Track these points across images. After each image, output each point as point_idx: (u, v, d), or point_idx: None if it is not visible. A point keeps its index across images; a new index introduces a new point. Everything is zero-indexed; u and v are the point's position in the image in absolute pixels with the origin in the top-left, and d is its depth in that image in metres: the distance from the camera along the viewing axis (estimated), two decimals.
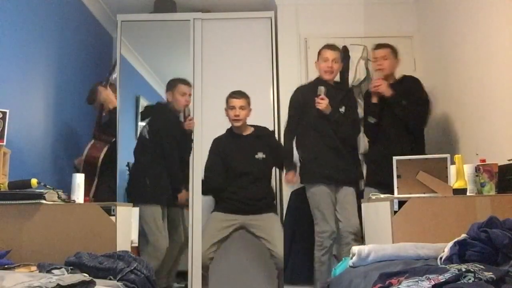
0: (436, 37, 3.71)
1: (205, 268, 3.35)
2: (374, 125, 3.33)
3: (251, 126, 3.54)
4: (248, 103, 3.47)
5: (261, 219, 3.37)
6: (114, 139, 3.68)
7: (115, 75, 3.83)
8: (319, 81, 3.39)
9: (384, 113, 3.30)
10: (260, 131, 3.55)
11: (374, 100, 3.32)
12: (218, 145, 3.52)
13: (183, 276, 3.69)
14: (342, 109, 3.34)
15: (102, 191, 3.42)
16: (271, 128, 3.80)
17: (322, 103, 3.24)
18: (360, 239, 3.21)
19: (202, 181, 3.57)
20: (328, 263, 3.28)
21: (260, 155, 3.43)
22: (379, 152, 3.29)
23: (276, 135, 3.81)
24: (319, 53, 3.45)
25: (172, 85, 3.64)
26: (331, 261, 3.30)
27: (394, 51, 3.39)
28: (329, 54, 3.38)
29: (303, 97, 3.39)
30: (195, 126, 3.72)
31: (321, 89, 3.26)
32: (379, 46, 3.41)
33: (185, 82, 3.67)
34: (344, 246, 3.27)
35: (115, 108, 3.72)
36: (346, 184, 3.32)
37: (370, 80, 3.85)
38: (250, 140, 3.49)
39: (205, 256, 3.30)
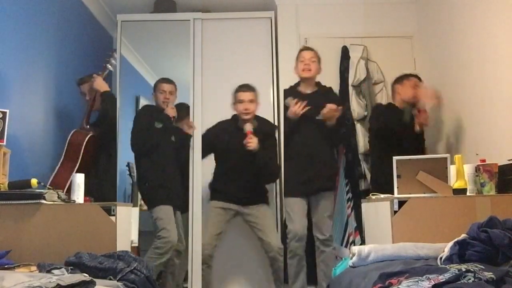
0: (436, 37, 3.71)
1: (209, 258, 3.37)
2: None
3: (256, 119, 3.49)
4: (257, 97, 3.46)
5: (255, 209, 3.44)
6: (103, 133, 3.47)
7: (113, 62, 3.58)
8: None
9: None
10: (261, 126, 3.49)
11: (418, 128, 3.24)
12: (222, 131, 3.52)
13: None
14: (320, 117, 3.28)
15: (92, 187, 3.29)
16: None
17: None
18: (330, 244, 3.30)
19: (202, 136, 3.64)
20: (295, 266, 3.28)
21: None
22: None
23: (276, 135, 3.81)
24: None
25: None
26: (301, 267, 3.29)
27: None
28: (305, 54, 3.42)
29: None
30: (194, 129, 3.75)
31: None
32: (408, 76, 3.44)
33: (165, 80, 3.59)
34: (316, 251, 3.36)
35: (105, 92, 3.41)
36: (322, 190, 3.34)
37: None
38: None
39: (210, 245, 3.35)
